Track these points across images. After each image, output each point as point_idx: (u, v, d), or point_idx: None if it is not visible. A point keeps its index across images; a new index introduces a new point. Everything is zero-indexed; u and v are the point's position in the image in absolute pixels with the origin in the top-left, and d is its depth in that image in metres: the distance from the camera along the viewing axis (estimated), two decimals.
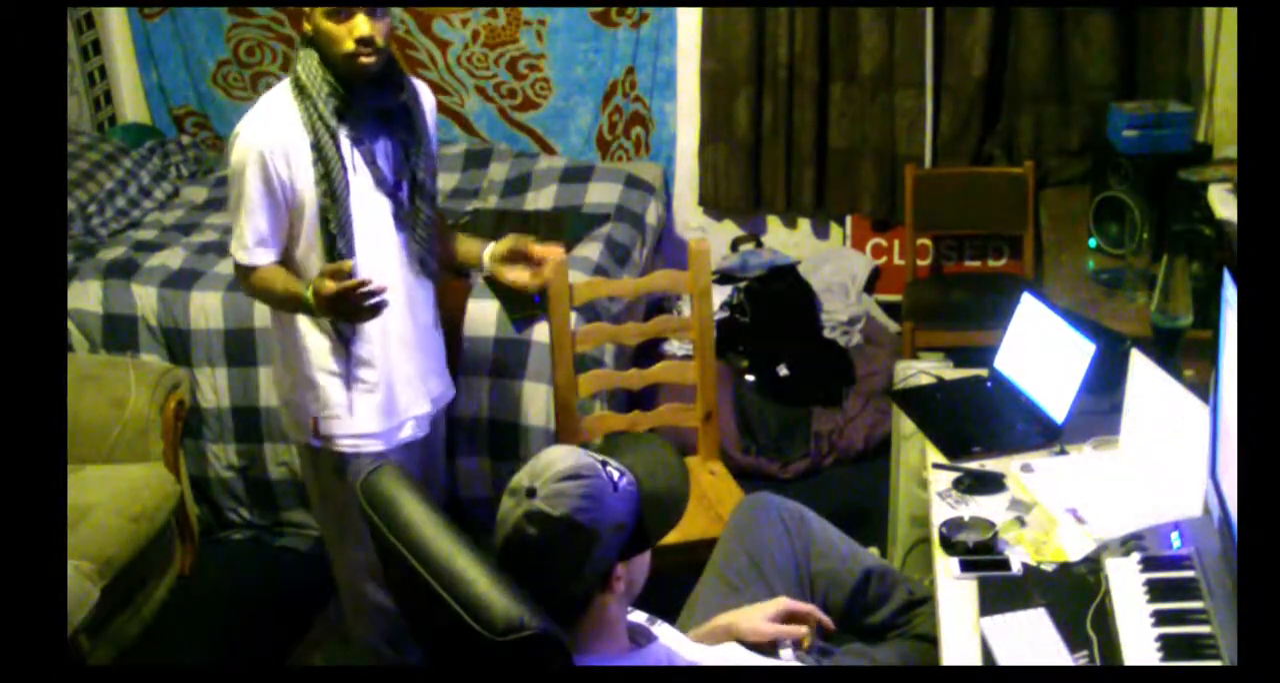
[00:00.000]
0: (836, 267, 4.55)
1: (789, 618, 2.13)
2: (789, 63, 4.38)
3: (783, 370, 4.07)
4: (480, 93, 4.76)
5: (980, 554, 2.15)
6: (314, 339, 2.53)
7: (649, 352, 4.10)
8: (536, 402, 3.47)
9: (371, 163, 2.45)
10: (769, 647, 2.10)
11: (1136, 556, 2.03)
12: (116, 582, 2.93)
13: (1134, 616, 1.89)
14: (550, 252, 2.57)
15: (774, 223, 4.75)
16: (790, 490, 3.08)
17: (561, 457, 1.77)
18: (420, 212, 2.54)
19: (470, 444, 3.54)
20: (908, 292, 4.21)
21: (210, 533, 3.68)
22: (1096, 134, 4.05)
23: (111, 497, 3.05)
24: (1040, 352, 2.63)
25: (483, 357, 3.48)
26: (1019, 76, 4.25)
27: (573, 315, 3.02)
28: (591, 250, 3.91)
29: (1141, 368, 2.37)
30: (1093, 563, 2.08)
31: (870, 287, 4.60)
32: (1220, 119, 4.08)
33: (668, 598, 2.30)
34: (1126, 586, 1.96)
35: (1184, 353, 2.58)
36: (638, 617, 1.94)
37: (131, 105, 5.00)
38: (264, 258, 2.47)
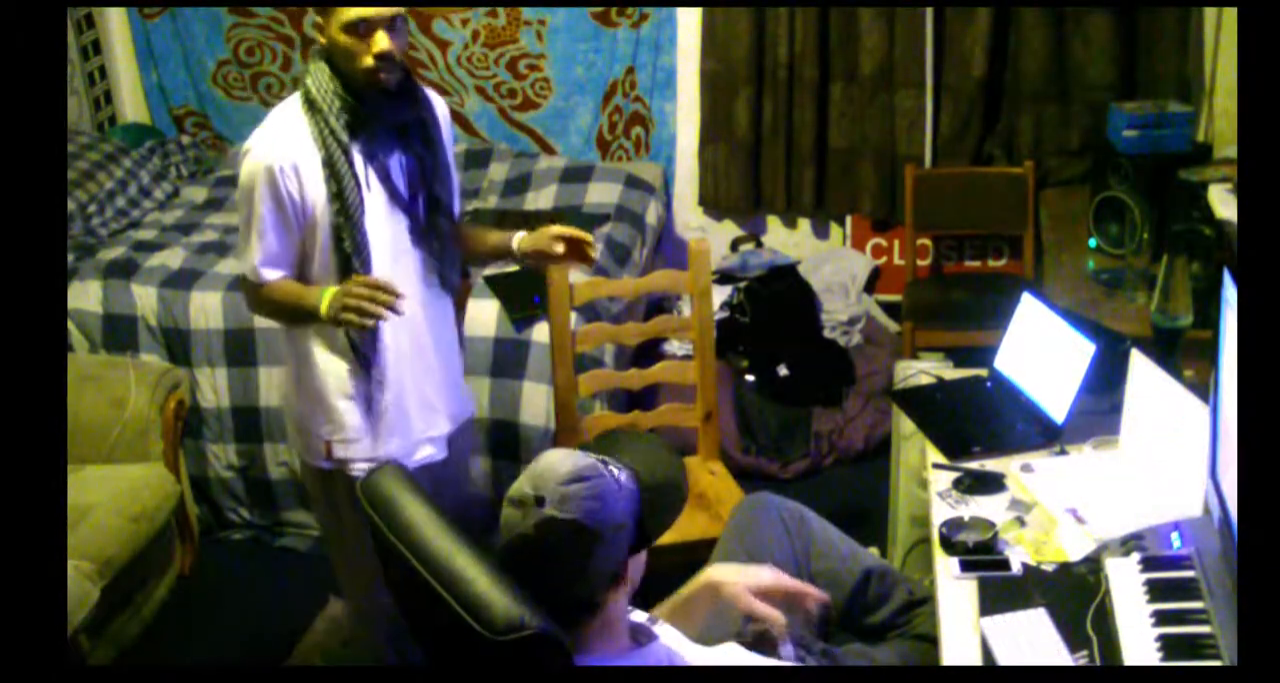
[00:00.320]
0: (836, 267, 4.55)
1: (776, 595, 2.11)
2: (789, 63, 4.38)
3: (783, 370, 4.07)
4: (480, 93, 4.76)
5: (980, 554, 2.15)
6: (329, 360, 2.45)
7: (649, 352, 4.10)
8: (536, 402, 3.47)
9: (386, 179, 2.37)
10: (769, 648, 2.10)
11: (1136, 556, 2.03)
12: (116, 582, 2.93)
13: (1134, 616, 1.89)
14: (580, 235, 2.47)
15: (774, 223, 4.75)
16: (790, 490, 3.08)
17: (560, 460, 1.75)
18: (438, 227, 2.45)
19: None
20: (908, 292, 4.21)
21: (210, 533, 3.68)
22: (1096, 134, 4.05)
23: (111, 497, 3.05)
24: (1040, 352, 2.63)
25: (483, 357, 3.48)
26: (1019, 76, 4.25)
27: (573, 315, 3.02)
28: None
29: (1141, 368, 2.37)
30: (1093, 563, 2.08)
31: (870, 287, 4.59)
32: (1220, 119, 4.08)
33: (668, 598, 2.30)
34: (1126, 586, 1.96)
35: (1184, 353, 2.58)
36: (638, 617, 1.94)
37: (131, 105, 5.00)
38: (273, 276, 2.40)
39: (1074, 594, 2.00)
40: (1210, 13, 4.06)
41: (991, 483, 2.38)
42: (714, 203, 4.68)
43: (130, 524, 3.02)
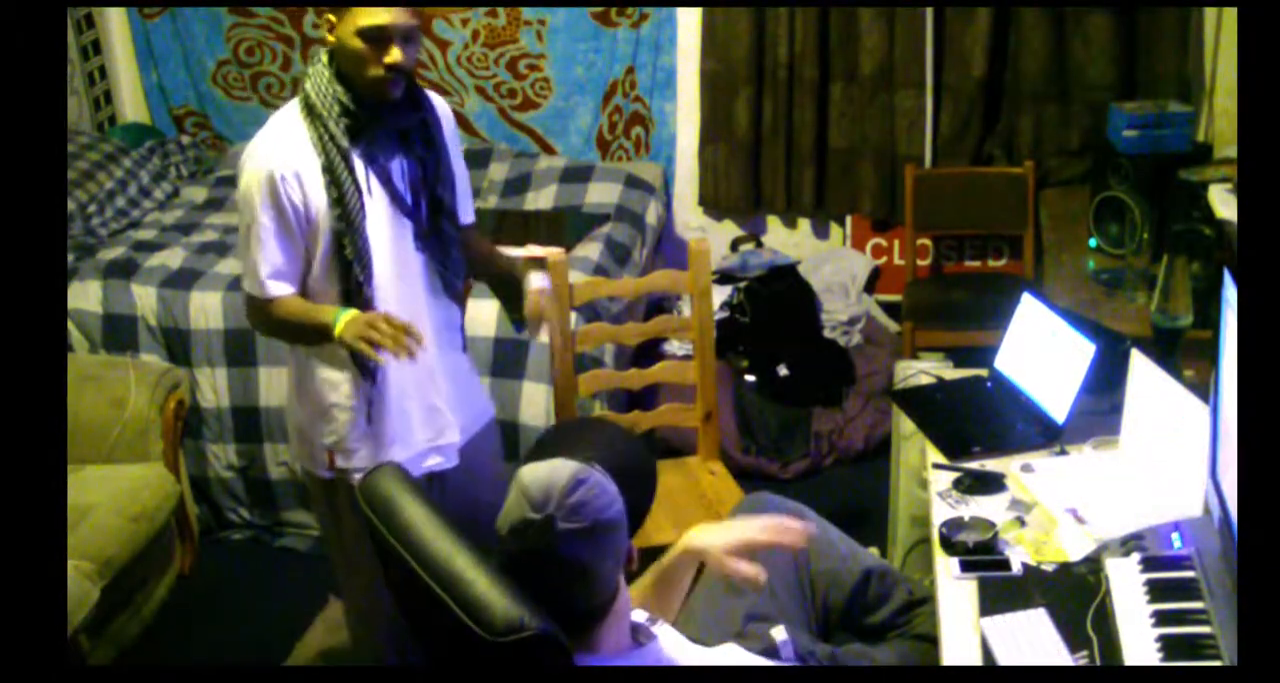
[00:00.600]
0: (836, 267, 4.55)
1: (756, 549, 2.08)
2: (789, 63, 4.38)
3: (783, 370, 4.07)
4: (480, 93, 4.76)
5: (980, 554, 2.15)
6: (330, 370, 2.42)
7: (649, 352, 4.10)
8: (536, 402, 3.47)
9: (387, 183, 2.33)
10: (769, 648, 2.10)
11: (1136, 556, 2.03)
12: (116, 582, 2.93)
13: (1134, 616, 1.89)
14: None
15: (774, 223, 4.75)
16: (790, 491, 3.08)
17: (552, 475, 1.72)
18: (442, 231, 2.41)
19: None
20: (908, 292, 4.21)
21: (210, 533, 3.68)
22: (1096, 134, 4.05)
23: (111, 497, 3.05)
24: (1040, 352, 2.63)
25: (483, 357, 3.48)
26: (1019, 76, 4.25)
27: (573, 315, 3.02)
28: (591, 250, 3.91)
29: (1141, 368, 2.37)
30: (1093, 563, 2.08)
31: (870, 287, 4.59)
32: (1220, 119, 4.08)
33: None
34: (1126, 586, 1.96)
35: (1184, 353, 2.58)
36: (638, 616, 1.94)
37: (131, 105, 5.00)
38: (280, 290, 2.33)
39: (1074, 594, 2.00)
40: (1210, 13, 4.06)
41: (991, 483, 2.38)
42: (714, 203, 4.68)
43: (130, 524, 3.02)
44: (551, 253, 2.89)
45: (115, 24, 4.88)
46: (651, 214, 4.39)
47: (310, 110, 2.29)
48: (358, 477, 2.44)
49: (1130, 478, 2.33)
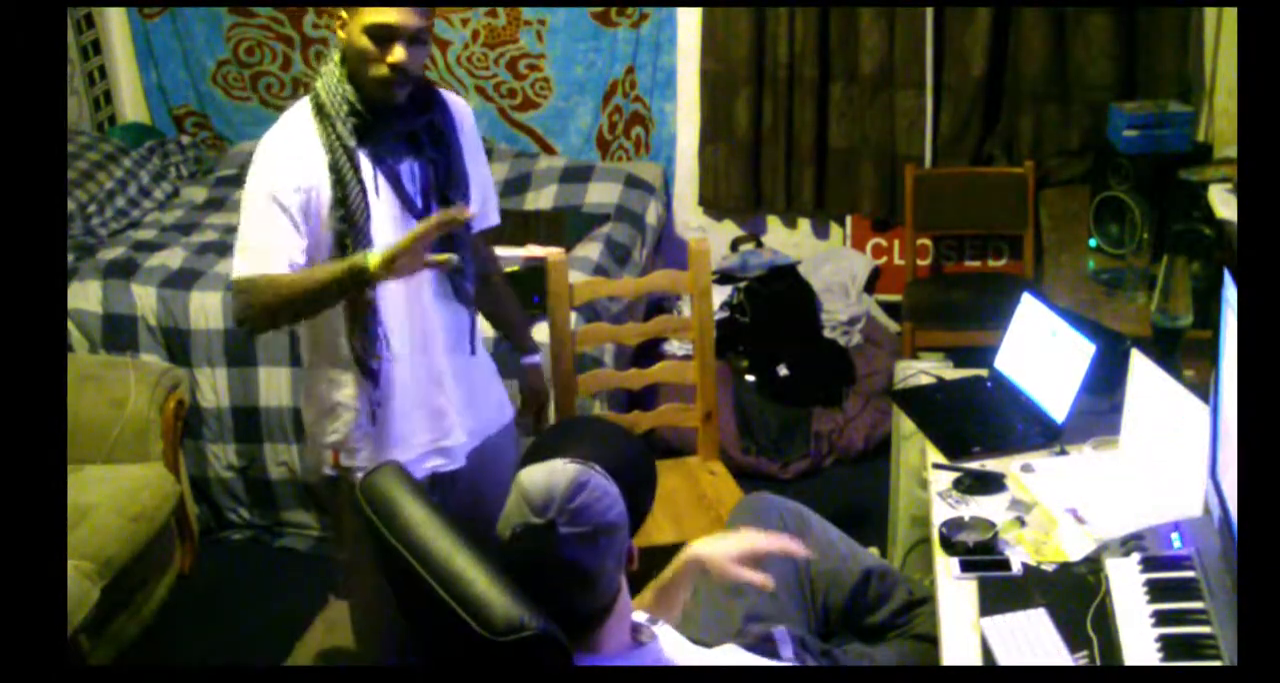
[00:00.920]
0: (836, 267, 4.55)
1: (759, 557, 2.08)
2: (789, 63, 4.38)
3: (783, 370, 4.07)
4: (480, 93, 4.76)
5: (980, 554, 2.15)
6: (334, 370, 2.40)
7: (649, 352, 4.10)
8: None
9: (396, 185, 2.30)
10: (769, 648, 2.10)
11: (1136, 556, 2.03)
12: (116, 582, 2.93)
13: (1134, 616, 1.89)
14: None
15: (774, 223, 4.75)
16: (790, 491, 3.09)
17: (552, 479, 1.71)
18: (453, 234, 2.32)
19: None
20: (908, 292, 4.21)
21: (210, 533, 3.68)
22: (1096, 134, 4.05)
23: (111, 497, 3.05)
24: (1040, 352, 2.63)
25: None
26: (1019, 76, 4.25)
27: (573, 315, 3.02)
28: (591, 250, 3.91)
29: (1141, 368, 2.37)
30: (1093, 563, 2.08)
31: (870, 287, 4.59)
32: (1220, 119, 4.08)
33: None
34: (1126, 586, 1.96)
35: (1184, 353, 2.58)
36: (638, 616, 1.94)
37: (131, 105, 5.00)
38: (283, 268, 2.24)
39: (1074, 594, 2.00)
40: (1210, 13, 4.06)
41: (991, 483, 2.38)
42: (714, 203, 4.68)
43: (130, 524, 3.02)
44: (551, 253, 2.90)
45: (115, 24, 4.88)
46: (651, 214, 4.39)
47: (320, 109, 2.28)
48: (359, 476, 2.44)
49: (1130, 478, 2.33)
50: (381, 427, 2.44)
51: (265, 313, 2.28)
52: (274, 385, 3.57)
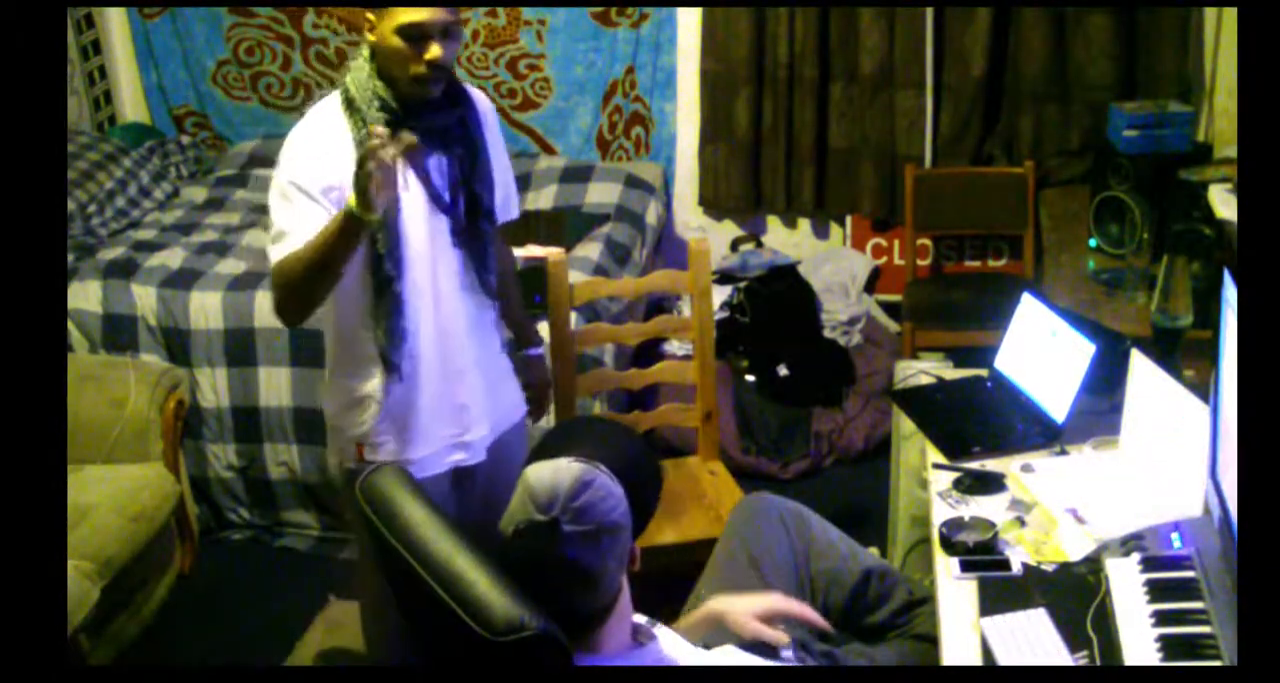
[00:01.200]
0: (836, 267, 4.55)
1: (779, 618, 2.12)
2: (789, 63, 4.38)
3: (783, 370, 4.07)
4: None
5: (980, 554, 2.15)
6: (358, 363, 2.39)
7: (649, 352, 4.10)
8: None
9: (425, 179, 2.31)
10: (769, 648, 2.10)
11: (1136, 556, 2.03)
12: (116, 582, 2.93)
13: (1134, 616, 1.89)
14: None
15: (774, 223, 4.76)
16: (790, 491, 3.08)
17: (557, 477, 1.72)
18: (479, 228, 2.38)
19: None
20: (908, 292, 4.21)
21: (210, 533, 3.68)
22: (1096, 134, 4.05)
23: (111, 497, 3.05)
24: (1040, 352, 2.63)
25: None
26: (1019, 76, 4.25)
27: (573, 315, 3.02)
28: (591, 250, 3.91)
29: (1141, 368, 2.37)
30: (1093, 563, 2.08)
31: (870, 287, 4.60)
32: (1220, 119, 4.08)
33: (668, 598, 2.31)
34: (1126, 586, 1.96)
35: (1184, 353, 2.58)
36: (638, 617, 1.94)
37: (131, 105, 5.00)
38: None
39: (1074, 594, 2.00)
40: (1210, 13, 4.06)
41: (991, 483, 2.38)
42: (714, 203, 4.68)
43: (130, 524, 3.02)
44: (551, 253, 2.90)
45: (115, 24, 4.88)
46: (651, 214, 4.39)
47: (350, 104, 2.28)
48: None
49: (1130, 478, 2.33)
50: (405, 420, 2.43)
51: (290, 292, 2.26)
52: (274, 385, 3.57)
